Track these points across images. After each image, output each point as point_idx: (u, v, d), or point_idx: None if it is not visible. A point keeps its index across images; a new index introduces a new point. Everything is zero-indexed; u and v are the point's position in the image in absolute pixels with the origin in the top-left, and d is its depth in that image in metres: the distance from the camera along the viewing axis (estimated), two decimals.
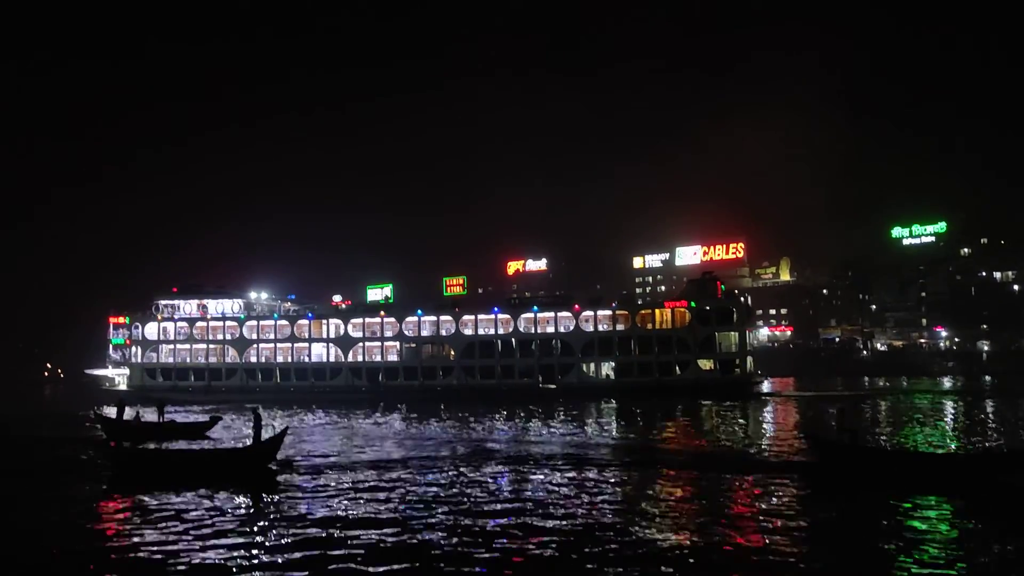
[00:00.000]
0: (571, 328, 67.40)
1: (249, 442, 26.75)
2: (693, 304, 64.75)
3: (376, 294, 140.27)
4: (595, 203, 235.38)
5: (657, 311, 66.53)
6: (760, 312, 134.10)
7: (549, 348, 67.69)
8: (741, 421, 42.19)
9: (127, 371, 78.75)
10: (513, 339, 68.39)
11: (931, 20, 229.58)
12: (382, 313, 74.02)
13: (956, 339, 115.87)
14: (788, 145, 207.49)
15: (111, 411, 38.11)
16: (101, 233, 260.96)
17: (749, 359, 68.51)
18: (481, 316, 70.29)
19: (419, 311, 72.87)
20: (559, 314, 68.20)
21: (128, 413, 37.79)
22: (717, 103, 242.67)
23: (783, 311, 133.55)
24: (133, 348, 79.01)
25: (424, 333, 71.61)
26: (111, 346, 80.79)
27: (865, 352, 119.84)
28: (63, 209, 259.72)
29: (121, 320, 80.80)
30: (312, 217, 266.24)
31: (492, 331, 69.40)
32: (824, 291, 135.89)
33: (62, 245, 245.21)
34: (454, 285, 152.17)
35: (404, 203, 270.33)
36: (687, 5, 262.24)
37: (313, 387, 71.97)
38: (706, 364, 64.42)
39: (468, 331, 70.17)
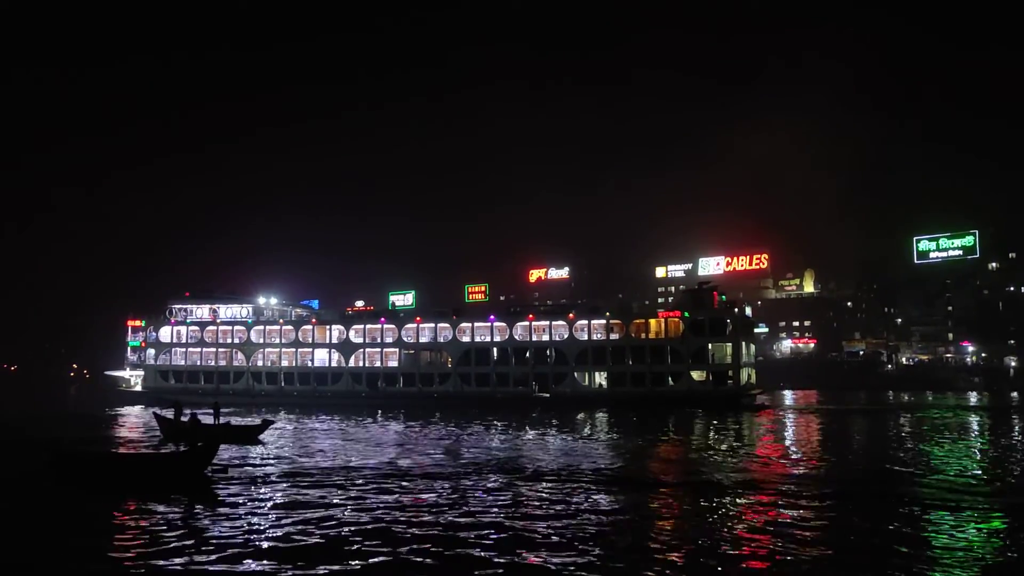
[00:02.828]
0: (565, 337, 67.65)
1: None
2: (687, 314, 64.49)
3: (399, 300, 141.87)
4: (619, 212, 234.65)
5: (651, 321, 66.39)
6: (783, 324, 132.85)
7: (544, 356, 68.00)
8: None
9: (143, 372, 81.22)
10: (508, 347, 68.88)
11: (956, 29, 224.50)
12: (382, 319, 75.15)
13: (983, 354, 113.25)
14: (812, 156, 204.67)
15: (168, 412, 39.05)
16: (124, 235, 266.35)
17: (748, 371, 68.04)
18: (478, 323, 70.94)
19: (418, 317, 73.92)
20: (554, 323, 68.52)
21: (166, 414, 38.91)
22: (740, 112, 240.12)
23: (807, 323, 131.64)
24: (149, 350, 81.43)
25: (423, 339, 72.51)
26: (129, 348, 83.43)
27: (890, 366, 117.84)
28: (86, 210, 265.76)
29: (138, 323, 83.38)
30: (336, 222, 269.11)
31: (488, 338, 70.02)
32: (849, 303, 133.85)
33: (85, 247, 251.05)
34: (476, 292, 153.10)
35: (429, 210, 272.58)
36: (709, 14, 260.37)
37: (315, 391, 73.29)
38: (699, 375, 64.09)
39: (465, 338, 70.87)
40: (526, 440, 36.49)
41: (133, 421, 53.27)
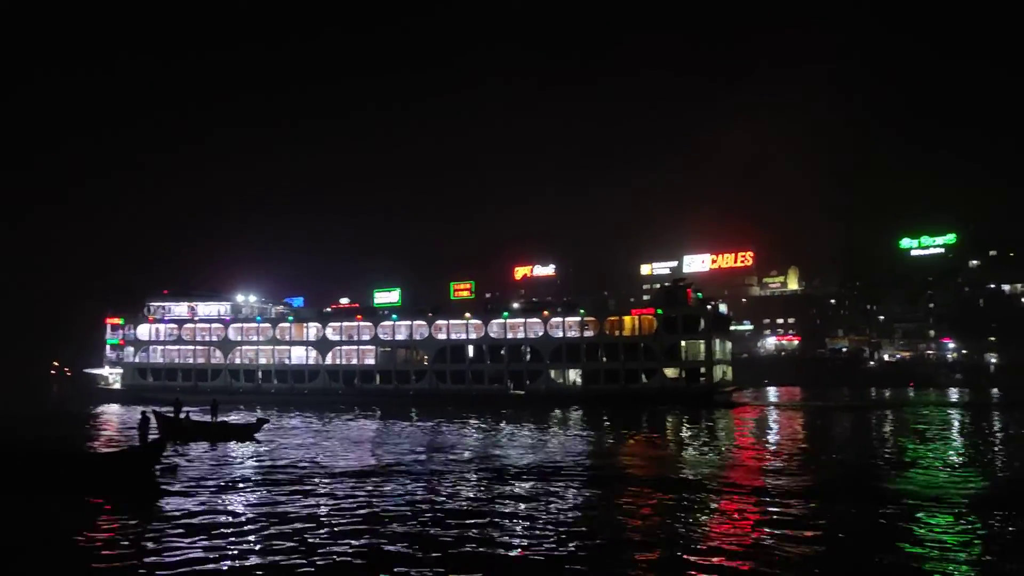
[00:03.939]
0: (540, 334, 67.80)
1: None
2: (660, 311, 64.70)
3: (385, 297, 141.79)
4: (605, 210, 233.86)
5: (625, 318, 66.57)
6: (768, 321, 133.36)
7: (519, 354, 68.14)
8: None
9: (121, 370, 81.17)
10: (484, 344, 69.01)
11: (938, 28, 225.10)
12: (358, 316, 75.26)
13: (964, 351, 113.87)
14: (797, 155, 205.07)
15: (168, 410, 39.16)
16: (105, 231, 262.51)
17: (723, 368, 68.39)
18: (453, 321, 71.05)
19: (394, 316, 74.01)
20: (529, 320, 68.70)
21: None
22: (725, 112, 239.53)
23: (791, 320, 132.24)
24: (127, 348, 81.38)
25: (399, 337, 72.59)
26: (108, 346, 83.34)
27: (872, 362, 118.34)
28: (68, 208, 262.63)
29: (117, 321, 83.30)
30: (325, 221, 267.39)
31: (464, 336, 70.15)
32: (832, 301, 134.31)
33: (66, 244, 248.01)
34: (462, 290, 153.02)
35: (419, 210, 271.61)
36: (694, 15, 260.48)
37: (292, 389, 73.38)
38: (672, 372, 64.31)
39: (441, 336, 70.98)
40: (500, 438, 36.51)
41: (111, 419, 53.38)
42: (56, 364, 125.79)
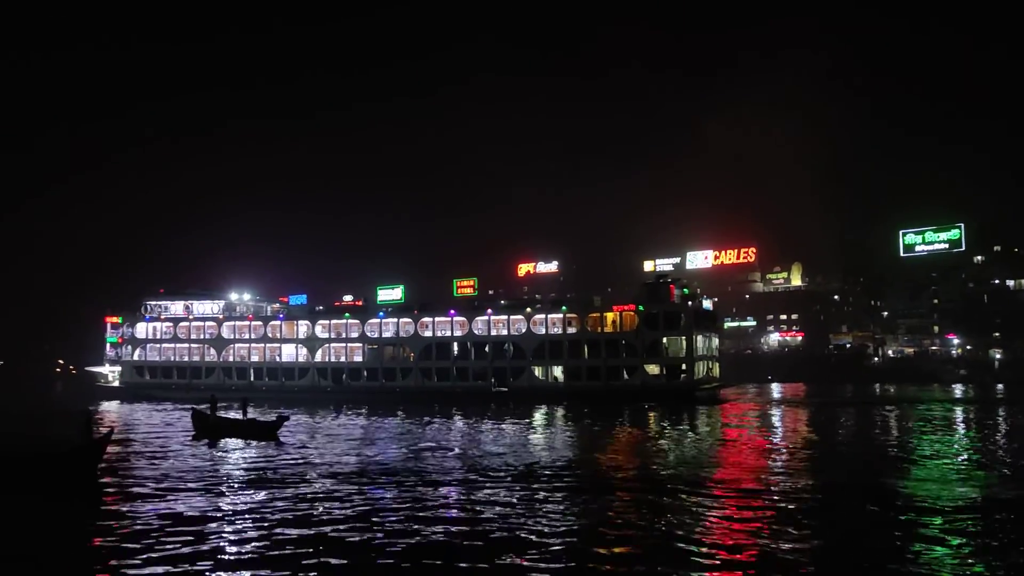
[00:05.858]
0: (523, 331, 68.15)
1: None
2: (641, 308, 64.82)
3: (387, 295, 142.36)
4: (609, 206, 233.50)
5: (607, 314, 66.73)
6: (771, 317, 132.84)
7: (502, 351, 68.56)
8: None
9: (120, 368, 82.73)
10: (468, 342, 69.49)
11: (939, 19, 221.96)
12: (347, 314, 76.00)
13: (968, 347, 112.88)
14: (798, 150, 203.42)
15: (204, 407, 40.11)
16: (104, 228, 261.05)
17: (708, 364, 68.36)
18: (438, 318, 71.60)
19: (380, 313, 74.76)
20: (512, 317, 69.06)
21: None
22: (726, 105, 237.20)
23: (794, 316, 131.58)
24: (126, 346, 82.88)
25: (386, 335, 73.25)
26: (108, 344, 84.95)
27: (876, 359, 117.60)
28: (63, 204, 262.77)
29: (116, 319, 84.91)
30: (330, 221, 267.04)
31: (448, 333, 70.68)
32: (836, 297, 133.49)
33: (64, 241, 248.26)
34: (465, 287, 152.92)
35: (419, 206, 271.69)
36: (685, 6, 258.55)
37: (283, 386, 74.30)
38: (653, 369, 64.42)
39: (427, 333, 71.56)
40: (484, 437, 36.57)
41: (108, 417, 54.33)
42: (61, 362, 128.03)
